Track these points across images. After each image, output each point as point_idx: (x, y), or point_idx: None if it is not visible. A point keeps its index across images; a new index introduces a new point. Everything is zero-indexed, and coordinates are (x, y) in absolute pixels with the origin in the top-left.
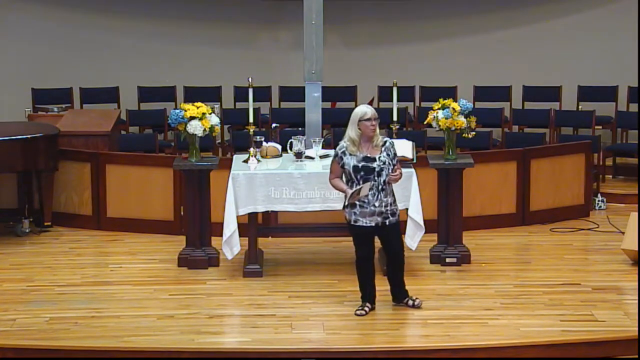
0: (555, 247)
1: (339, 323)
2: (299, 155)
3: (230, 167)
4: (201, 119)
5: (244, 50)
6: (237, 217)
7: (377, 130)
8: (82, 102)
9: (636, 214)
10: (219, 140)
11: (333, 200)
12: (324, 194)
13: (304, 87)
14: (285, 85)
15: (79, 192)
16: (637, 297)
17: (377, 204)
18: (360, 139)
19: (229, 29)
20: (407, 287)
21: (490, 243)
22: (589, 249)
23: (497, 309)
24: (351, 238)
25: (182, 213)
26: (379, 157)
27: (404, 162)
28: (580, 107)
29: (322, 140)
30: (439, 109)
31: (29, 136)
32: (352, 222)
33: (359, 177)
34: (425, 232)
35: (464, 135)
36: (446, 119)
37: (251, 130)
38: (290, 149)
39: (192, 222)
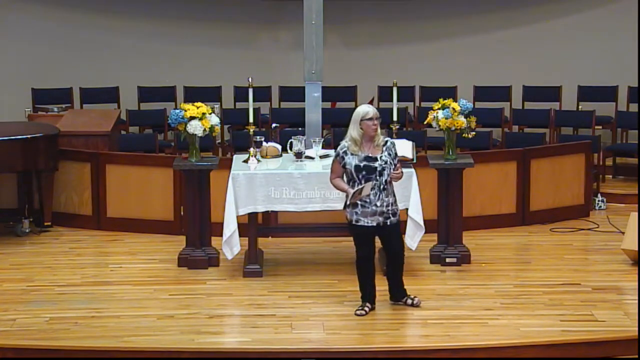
0: (555, 247)
1: (339, 323)
2: (299, 155)
3: (230, 167)
4: (201, 119)
5: (244, 50)
6: (237, 217)
7: (379, 130)
8: (82, 102)
9: (636, 214)
10: (219, 140)
11: (333, 200)
12: (324, 194)
13: (304, 87)
14: (285, 85)
15: (79, 192)
16: (637, 297)
17: (378, 203)
18: (362, 139)
19: (229, 29)
20: (407, 287)
21: (490, 243)
22: (589, 249)
23: (497, 309)
24: (351, 238)
25: (182, 213)
26: (381, 157)
27: (404, 162)
28: (580, 107)
29: (322, 140)
30: (439, 109)
31: (29, 136)
32: (354, 222)
33: (360, 176)
34: (425, 232)
35: (464, 135)
36: (446, 119)
37: (251, 130)
38: (290, 149)
39: (192, 222)
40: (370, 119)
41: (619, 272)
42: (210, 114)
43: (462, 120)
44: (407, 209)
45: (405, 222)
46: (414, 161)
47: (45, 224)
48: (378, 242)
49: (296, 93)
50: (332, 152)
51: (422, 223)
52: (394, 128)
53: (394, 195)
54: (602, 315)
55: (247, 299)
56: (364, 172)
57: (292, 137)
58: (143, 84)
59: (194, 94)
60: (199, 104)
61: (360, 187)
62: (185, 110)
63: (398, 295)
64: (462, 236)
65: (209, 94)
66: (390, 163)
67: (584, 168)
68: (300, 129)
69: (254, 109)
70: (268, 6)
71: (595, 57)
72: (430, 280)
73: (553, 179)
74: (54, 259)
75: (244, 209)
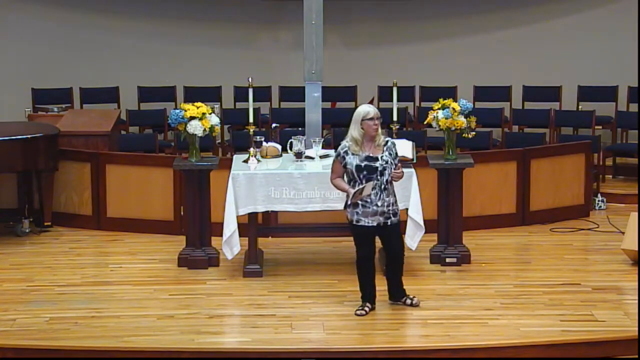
0: (555, 247)
1: (339, 323)
2: (299, 155)
3: (230, 167)
4: (201, 119)
5: (244, 50)
6: (237, 217)
7: (380, 130)
8: (82, 102)
9: (636, 214)
10: (219, 140)
11: (333, 200)
12: (324, 194)
13: (304, 87)
14: (285, 85)
15: (79, 192)
16: (637, 297)
17: (379, 203)
18: (362, 139)
19: (229, 29)
20: (407, 287)
21: (490, 243)
22: (589, 249)
23: (497, 309)
24: (351, 238)
25: (182, 213)
26: (382, 157)
27: (404, 162)
28: (580, 107)
29: (322, 140)
30: (439, 109)
31: (29, 136)
32: (355, 222)
33: (361, 176)
34: (425, 232)
35: (464, 135)
36: (446, 119)
37: (251, 130)
38: (290, 149)
39: (192, 222)
40: (371, 118)
41: (619, 272)
42: (210, 114)
43: (462, 120)
44: (407, 209)
45: (405, 222)
46: (414, 161)
47: (45, 224)
48: (378, 242)
49: (296, 93)
50: (332, 152)
51: (422, 223)
52: (394, 128)
53: (395, 195)
54: (602, 315)
55: (247, 299)
56: (365, 172)
57: (292, 137)
58: (143, 84)
59: (194, 94)
60: (199, 104)
61: (361, 187)
62: (185, 110)
63: (397, 295)
64: (462, 236)
65: (209, 94)
66: (391, 163)
67: (584, 168)
68: (300, 129)
69: (254, 109)
70: (268, 6)
71: (595, 57)
72: (430, 280)
73: (553, 179)
74: (54, 259)
75: (244, 209)
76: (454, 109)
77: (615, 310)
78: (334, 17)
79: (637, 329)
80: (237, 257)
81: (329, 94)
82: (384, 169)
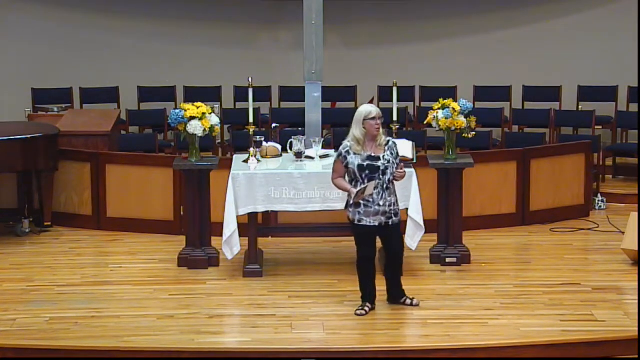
0: (555, 247)
1: (339, 323)
2: (299, 155)
3: (230, 167)
4: (201, 119)
5: (244, 50)
6: (237, 217)
7: (381, 130)
8: (82, 102)
9: (636, 214)
10: (219, 140)
11: (333, 200)
12: (324, 194)
13: (304, 87)
14: (285, 85)
15: (79, 192)
16: (637, 297)
17: (381, 202)
18: (364, 138)
19: (229, 29)
20: (407, 287)
21: (490, 243)
22: (589, 249)
23: (497, 309)
24: (351, 238)
25: (182, 213)
26: (383, 156)
27: (404, 162)
28: (580, 107)
29: (322, 140)
30: (439, 109)
31: (29, 136)
32: (356, 222)
33: (364, 176)
34: (425, 232)
35: (464, 135)
36: (446, 119)
37: (251, 130)
38: (290, 149)
39: (192, 222)
40: (373, 118)
41: (619, 272)
42: (210, 114)
43: (462, 120)
44: (407, 209)
45: (405, 222)
46: (414, 161)
47: (45, 224)
48: (378, 242)
49: (296, 93)
50: (332, 152)
51: (422, 223)
52: (394, 128)
53: (396, 195)
54: (602, 315)
55: (247, 299)
56: (367, 172)
57: (292, 137)
58: (143, 84)
59: (194, 94)
60: (199, 104)
61: (363, 186)
62: (185, 110)
63: (397, 295)
64: (462, 236)
65: (209, 94)
66: (393, 162)
67: (584, 168)
68: (300, 129)
69: (254, 109)
70: (268, 6)
71: (595, 57)
72: (430, 280)
73: (553, 179)
74: (54, 259)
75: (244, 209)
76: (454, 109)
77: (615, 310)
78: (334, 17)
79: (637, 329)
80: (237, 257)
81: (329, 94)
82: (386, 168)
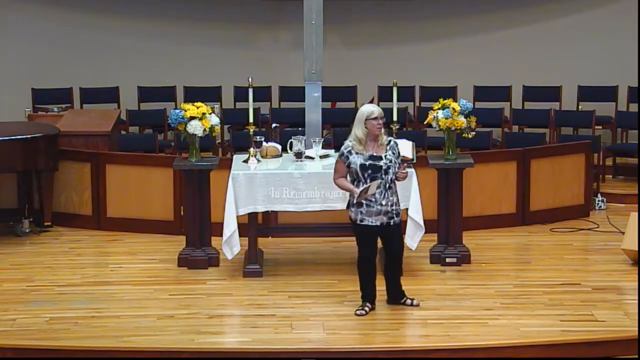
0: (555, 247)
1: (339, 323)
2: (299, 155)
3: (230, 167)
4: (201, 119)
5: (244, 50)
6: (237, 217)
7: (383, 130)
8: (82, 102)
9: (636, 214)
10: (219, 140)
11: (333, 200)
12: (324, 194)
13: (304, 87)
14: (285, 85)
15: (79, 192)
16: (637, 297)
17: (383, 202)
18: (366, 138)
19: (229, 29)
20: (407, 287)
21: (490, 243)
22: (589, 249)
23: (497, 309)
24: (352, 238)
25: (182, 213)
26: (385, 156)
27: (404, 162)
28: (580, 107)
29: (322, 140)
30: (439, 109)
31: (29, 136)
32: (358, 222)
33: (366, 175)
34: (425, 232)
35: (464, 135)
36: (446, 119)
37: (251, 130)
38: (290, 149)
39: (192, 222)
40: (375, 118)
41: (619, 272)
42: (210, 114)
43: (462, 120)
44: (407, 209)
45: (405, 222)
46: (414, 161)
47: (45, 224)
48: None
49: (296, 93)
50: (332, 152)
51: (422, 223)
52: (394, 128)
53: (398, 195)
54: (602, 315)
55: (247, 299)
56: (369, 171)
57: (292, 137)
58: (143, 84)
59: (194, 94)
60: (199, 104)
61: (366, 186)
62: (185, 110)
63: (396, 296)
64: (462, 236)
65: (209, 94)
66: (395, 162)
67: (584, 168)
68: (300, 129)
69: (254, 109)
70: (268, 6)
71: (595, 57)
72: (430, 280)
73: (553, 179)
74: (54, 259)
75: (244, 209)
76: (454, 109)
77: (615, 310)
78: (334, 17)
79: (637, 329)
80: (237, 257)
81: (329, 94)
82: (388, 167)
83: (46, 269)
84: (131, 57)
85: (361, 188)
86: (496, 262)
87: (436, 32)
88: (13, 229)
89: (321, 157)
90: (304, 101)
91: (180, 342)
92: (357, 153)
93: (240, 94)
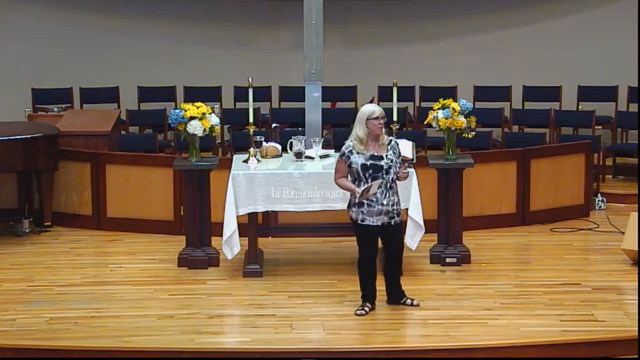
0: (555, 247)
1: (339, 323)
2: (299, 155)
3: (230, 167)
4: (201, 119)
5: (244, 50)
6: (237, 217)
7: (384, 129)
8: (82, 102)
9: (636, 214)
10: (219, 140)
11: (333, 200)
12: (324, 194)
13: (304, 87)
14: (285, 85)
15: (79, 192)
16: (637, 297)
17: (385, 202)
18: (367, 138)
19: (229, 29)
20: (407, 287)
21: (490, 243)
22: (589, 249)
23: (497, 309)
24: (352, 238)
25: (182, 213)
26: (386, 155)
27: (404, 162)
28: (580, 107)
29: (322, 140)
30: (439, 109)
31: (29, 136)
32: (359, 221)
33: (367, 175)
34: (425, 232)
35: (464, 135)
36: (446, 119)
37: (251, 130)
38: (290, 149)
39: (192, 222)
40: (377, 118)
41: (619, 272)
42: (210, 114)
43: (462, 120)
44: (407, 209)
45: (405, 222)
46: (414, 161)
47: (45, 224)
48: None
49: (296, 93)
50: (332, 152)
51: (422, 223)
52: (394, 128)
53: (398, 195)
54: (602, 315)
55: (247, 299)
56: (370, 171)
57: (292, 137)
58: (143, 84)
59: (194, 94)
60: (199, 104)
61: (368, 185)
62: (185, 110)
63: (396, 296)
64: (462, 236)
65: (209, 94)
66: (396, 162)
67: (584, 168)
68: (300, 129)
69: (254, 109)
70: (268, 6)
71: (595, 57)
72: (430, 280)
73: (553, 179)
74: (54, 259)
75: (244, 209)
76: (454, 109)
77: (615, 310)
78: (334, 17)
79: (637, 329)
80: (237, 257)
81: (329, 94)
82: (390, 167)
83: (46, 269)
84: (131, 57)
85: (363, 188)
86: (496, 262)
87: (436, 32)
88: (13, 229)
89: (321, 157)
90: (304, 101)
91: (180, 342)
92: (358, 153)
93: (240, 94)
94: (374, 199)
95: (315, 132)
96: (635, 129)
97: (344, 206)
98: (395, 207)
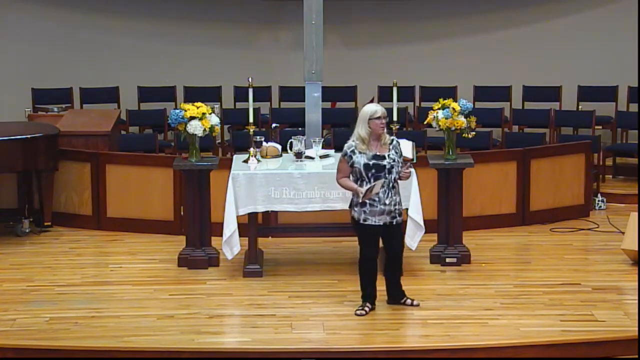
0: (555, 247)
1: (339, 323)
2: (299, 155)
3: (230, 167)
4: (201, 119)
5: (244, 50)
6: (237, 217)
7: (385, 129)
8: (82, 102)
9: (636, 214)
10: (219, 140)
11: (333, 200)
12: (324, 194)
13: (304, 87)
14: (285, 85)
15: (79, 192)
16: (637, 297)
17: (387, 201)
18: (369, 137)
19: (229, 29)
20: (407, 287)
21: (490, 243)
22: (589, 249)
23: (497, 309)
24: (352, 238)
25: (182, 213)
26: (389, 155)
27: (405, 162)
28: (580, 107)
29: (322, 140)
30: (439, 109)
31: (29, 136)
32: (361, 221)
33: (370, 175)
34: (425, 232)
35: (464, 135)
36: (446, 119)
37: (251, 130)
38: (290, 149)
39: (192, 222)
40: (379, 117)
41: (619, 272)
42: (210, 114)
43: (462, 120)
44: (407, 209)
45: (406, 222)
46: (414, 161)
47: (45, 224)
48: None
49: (296, 93)
50: (332, 152)
51: (422, 223)
52: (394, 128)
53: (400, 195)
54: (602, 315)
55: (247, 299)
56: (373, 171)
57: (292, 137)
58: (143, 84)
59: (194, 94)
60: (199, 104)
61: (371, 185)
62: (185, 110)
63: (396, 296)
64: (462, 236)
65: (209, 94)
66: (397, 161)
67: (584, 168)
68: (300, 129)
69: (254, 109)
70: (268, 6)
71: (595, 57)
72: (430, 280)
73: (553, 179)
74: (54, 259)
75: (244, 209)
76: (454, 109)
77: (615, 310)
78: (334, 17)
79: (637, 329)
80: (237, 257)
81: (329, 94)
82: (392, 167)
83: (46, 269)
84: (131, 57)
85: (366, 187)
86: (496, 262)
87: (436, 32)
88: (13, 229)
89: (321, 157)
90: (304, 101)
91: (180, 342)
92: (360, 152)
93: (240, 94)
94: (377, 199)
95: (315, 132)
96: (635, 129)
97: (344, 206)
98: (397, 206)
